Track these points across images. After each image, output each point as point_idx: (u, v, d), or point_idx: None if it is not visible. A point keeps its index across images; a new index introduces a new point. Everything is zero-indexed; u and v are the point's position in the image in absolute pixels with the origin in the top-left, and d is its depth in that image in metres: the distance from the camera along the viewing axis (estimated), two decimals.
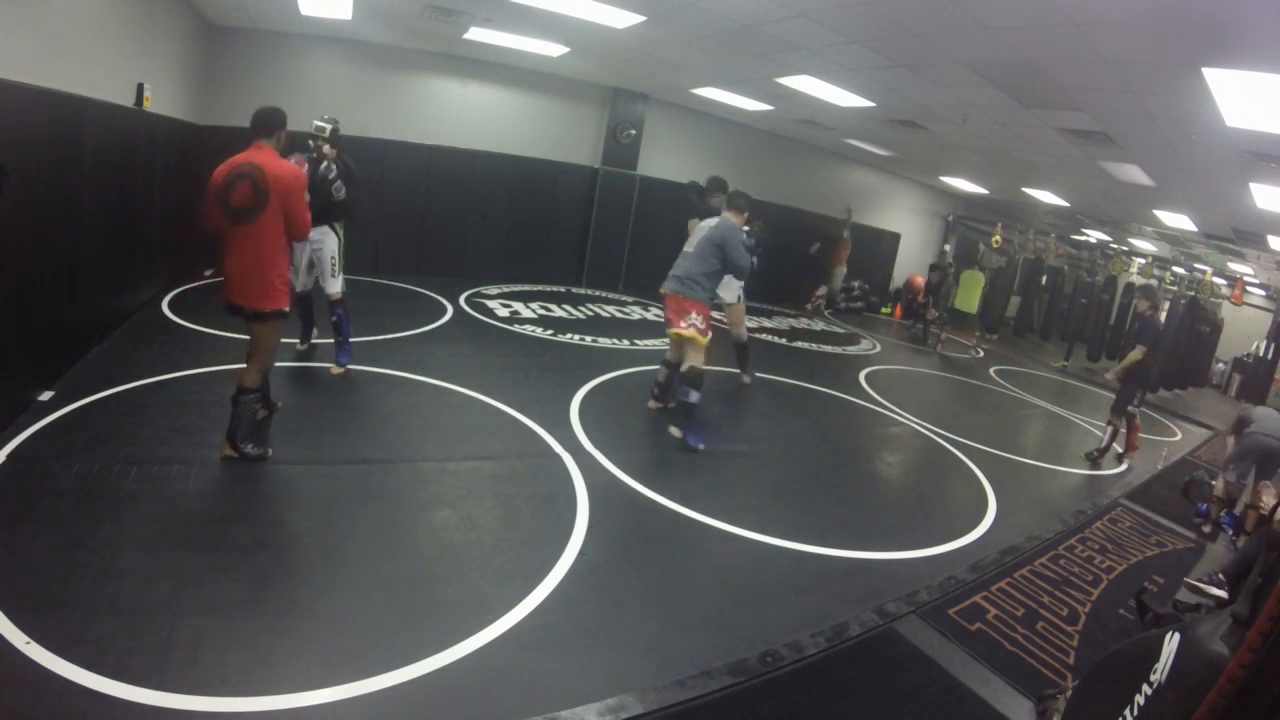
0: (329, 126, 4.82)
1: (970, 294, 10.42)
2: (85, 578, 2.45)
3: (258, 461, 3.52)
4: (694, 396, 4.74)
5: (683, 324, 4.84)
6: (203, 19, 7.08)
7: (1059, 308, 13.61)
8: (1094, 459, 6.38)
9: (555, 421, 4.75)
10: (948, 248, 14.78)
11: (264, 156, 3.37)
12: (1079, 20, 3.81)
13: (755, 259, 5.15)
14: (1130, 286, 12.60)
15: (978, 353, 10.41)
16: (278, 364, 4.60)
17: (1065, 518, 4.75)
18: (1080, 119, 5.90)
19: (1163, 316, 6.12)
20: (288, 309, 3.58)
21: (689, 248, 5.05)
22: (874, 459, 5.47)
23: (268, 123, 3.43)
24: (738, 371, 6.66)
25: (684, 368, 4.86)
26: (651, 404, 5.49)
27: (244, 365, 3.60)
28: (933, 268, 12.39)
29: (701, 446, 4.75)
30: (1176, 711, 1.40)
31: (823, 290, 12.69)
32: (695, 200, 6.12)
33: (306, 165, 4.29)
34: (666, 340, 7.86)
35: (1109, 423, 6.43)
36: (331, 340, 5.09)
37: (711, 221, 5.06)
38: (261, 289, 3.42)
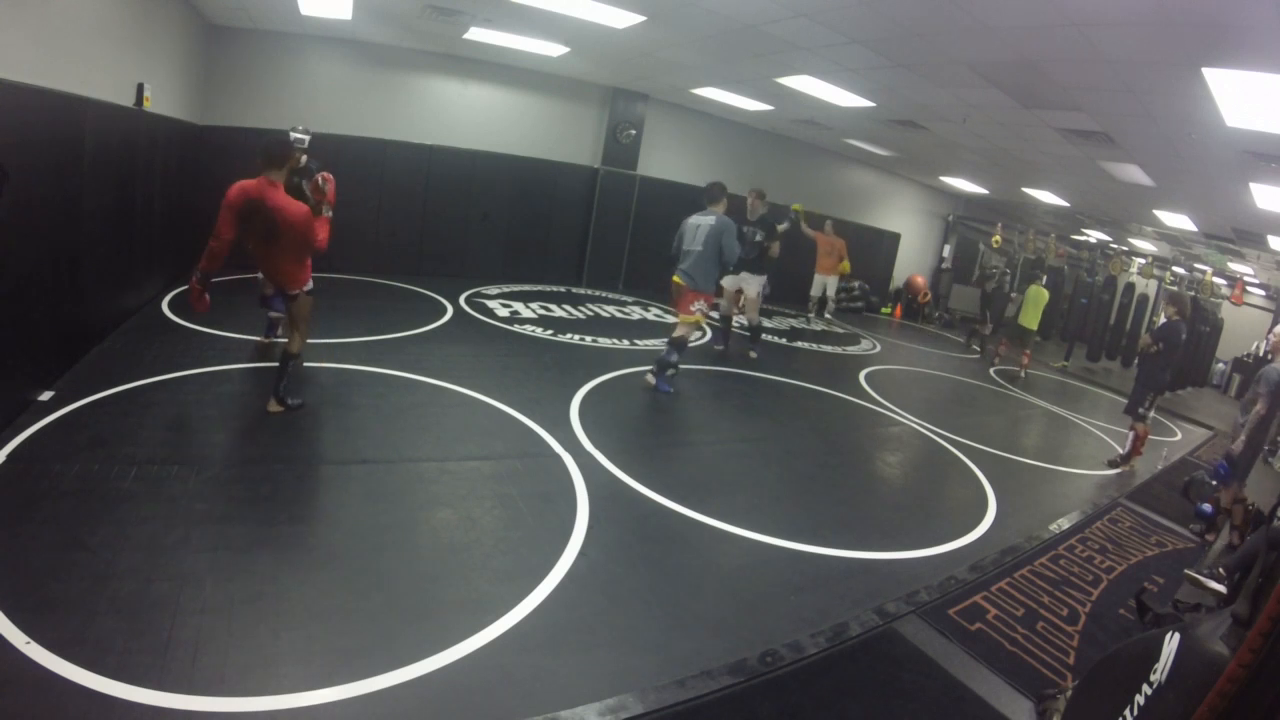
0: (306, 138, 5.18)
1: (1034, 310, 10.15)
2: (85, 578, 2.45)
3: (297, 410, 4.14)
4: (675, 357, 5.84)
5: (693, 308, 5.82)
6: (203, 19, 7.08)
7: (1059, 308, 13.63)
8: (1117, 464, 6.33)
9: (555, 421, 4.75)
10: (947, 250, 14.78)
11: (278, 198, 3.72)
12: (1079, 20, 3.81)
13: (762, 240, 6.99)
14: (1131, 287, 12.63)
15: (1024, 375, 10.22)
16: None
17: (1065, 518, 4.75)
18: (1080, 119, 5.90)
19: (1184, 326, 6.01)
20: (311, 286, 4.30)
21: (697, 245, 5.76)
22: (874, 459, 5.47)
23: (277, 156, 3.77)
24: (744, 358, 7.62)
25: (675, 334, 5.84)
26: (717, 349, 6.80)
27: (285, 339, 4.40)
28: (986, 278, 12.02)
29: (671, 390, 5.84)
30: (1176, 711, 1.40)
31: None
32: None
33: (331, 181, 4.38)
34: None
35: (1130, 427, 6.37)
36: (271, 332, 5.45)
37: (709, 219, 5.75)
38: (291, 278, 4.12)
